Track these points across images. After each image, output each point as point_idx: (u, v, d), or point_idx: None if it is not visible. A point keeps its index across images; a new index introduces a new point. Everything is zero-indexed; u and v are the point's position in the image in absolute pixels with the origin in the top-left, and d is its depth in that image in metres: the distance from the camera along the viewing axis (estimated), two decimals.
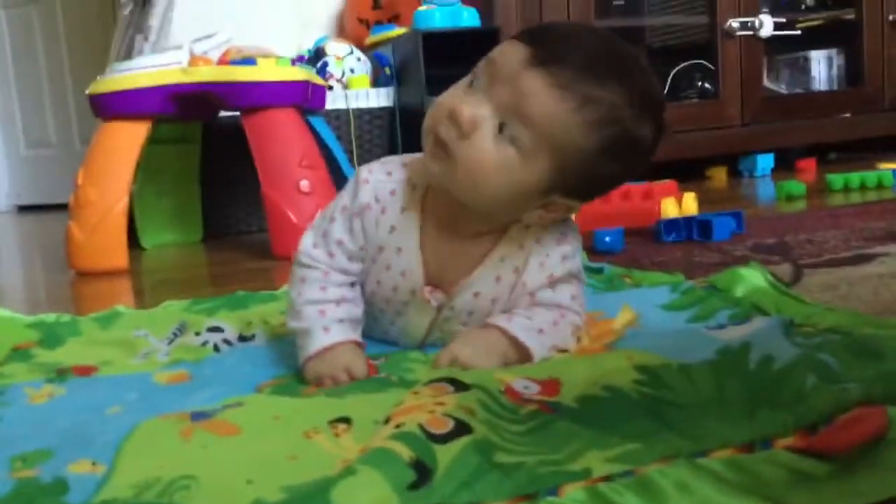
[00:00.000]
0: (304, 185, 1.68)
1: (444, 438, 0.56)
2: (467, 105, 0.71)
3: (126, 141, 1.76)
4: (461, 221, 0.79)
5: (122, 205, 1.72)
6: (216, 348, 0.92)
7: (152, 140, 1.83)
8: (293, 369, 0.80)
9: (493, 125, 0.71)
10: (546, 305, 0.79)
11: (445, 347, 0.78)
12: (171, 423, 0.65)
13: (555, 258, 0.80)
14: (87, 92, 1.81)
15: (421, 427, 0.56)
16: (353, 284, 0.83)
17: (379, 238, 0.81)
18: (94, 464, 0.59)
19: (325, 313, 0.79)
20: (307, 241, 0.83)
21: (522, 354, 0.76)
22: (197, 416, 0.66)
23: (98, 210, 1.70)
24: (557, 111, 0.69)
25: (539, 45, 0.71)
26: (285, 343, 0.87)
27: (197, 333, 0.95)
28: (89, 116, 1.88)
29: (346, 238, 0.81)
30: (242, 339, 0.94)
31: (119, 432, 0.64)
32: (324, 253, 0.82)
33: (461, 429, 0.57)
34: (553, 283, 0.80)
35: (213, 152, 2.21)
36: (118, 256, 1.70)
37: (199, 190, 2.22)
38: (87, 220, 1.69)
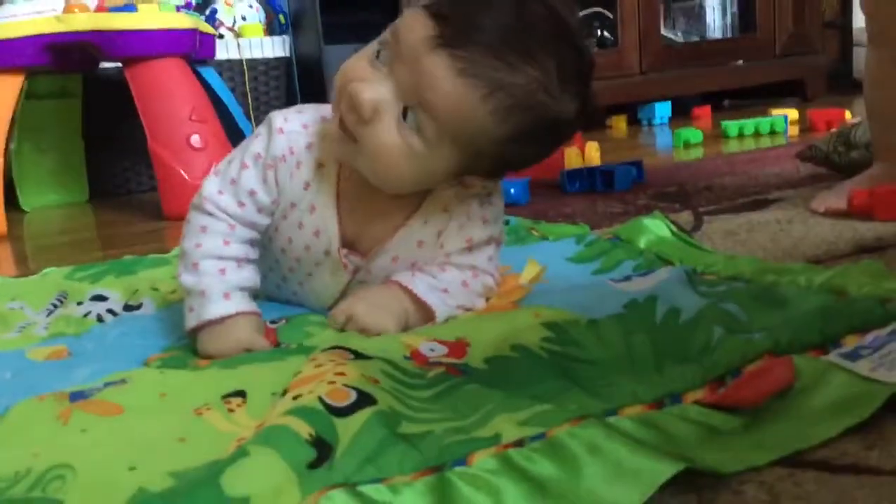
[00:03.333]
0: (195, 139, 1.60)
1: (345, 411, 0.52)
2: (368, 87, 0.66)
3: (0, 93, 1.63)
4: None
5: None
6: (100, 319, 0.85)
7: (29, 95, 1.71)
8: (184, 340, 0.75)
9: (397, 111, 0.66)
10: (458, 266, 0.76)
11: (341, 303, 0.74)
12: (46, 404, 0.59)
13: (476, 221, 0.76)
14: None
15: (321, 399, 0.53)
16: (254, 244, 0.77)
17: (292, 193, 0.75)
18: None
19: (225, 273, 0.73)
20: (211, 187, 0.76)
21: (424, 313, 0.73)
22: (76, 396, 0.60)
23: None
24: (463, 101, 0.64)
25: (443, 21, 0.64)
26: (176, 311, 0.81)
27: (79, 303, 0.88)
28: None
29: (260, 189, 0.75)
30: (129, 308, 0.87)
31: None
32: (233, 202, 0.75)
33: (364, 399, 0.54)
34: (471, 246, 0.76)
35: (96, 107, 2.08)
36: None
37: (83, 147, 2.09)
38: None
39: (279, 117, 0.77)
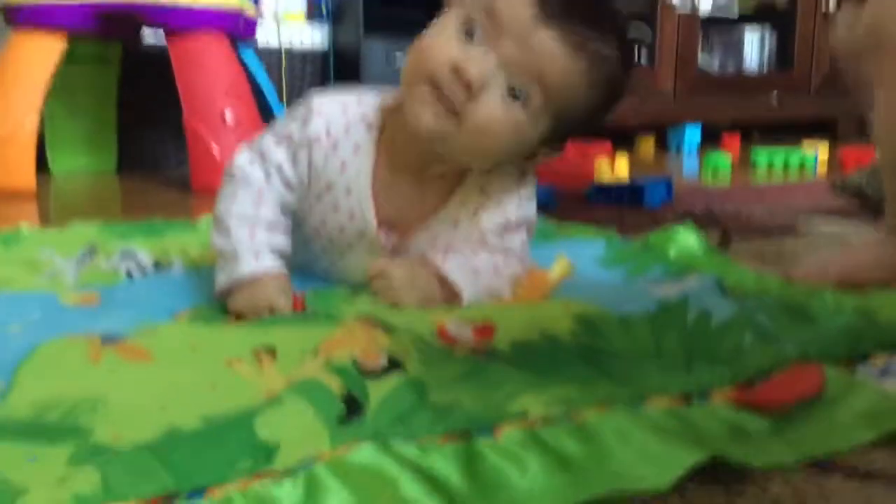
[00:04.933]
0: (229, 116, 1.61)
1: (376, 374, 0.53)
2: (475, 63, 0.67)
3: (40, 55, 1.65)
4: (422, 165, 0.76)
5: (31, 122, 1.61)
6: (129, 275, 0.86)
7: (67, 59, 1.72)
8: (214, 300, 0.75)
9: (502, 84, 0.68)
10: (492, 249, 0.77)
11: (381, 259, 0.76)
12: (77, 344, 0.60)
13: (513, 198, 0.77)
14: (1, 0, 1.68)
15: (353, 361, 0.53)
16: (284, 211, 0.78)
17: (327, 175, 0.77)
18: None
19: (254, 235, 0.74)
20: (243, 157, 0.78)
21: (451, 294, 0.73)
22: (107, 339, 0.61)
23: (5, 125, 1.58)
24: (574, 73, 0.68)
25: None
26: (205, 273, 0.82)
27: (108, 258, 0.89)
28: None
29: (287, 165, 0.77)
30: (158, 266, 0.88)
31: (19, 351, 0.59)
32: (261, 172, 0.77)
33: (394, 365, 0.54)
34: (507, 226, 0.77)
35: (133, 79, 2.09)
36: (25, 176, 1.60)
37: (116, 116, 2.11)
38: None
39: (316, 99, 0.78)
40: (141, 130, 2.17)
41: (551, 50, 0.67)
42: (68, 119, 2.02)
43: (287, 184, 0.77)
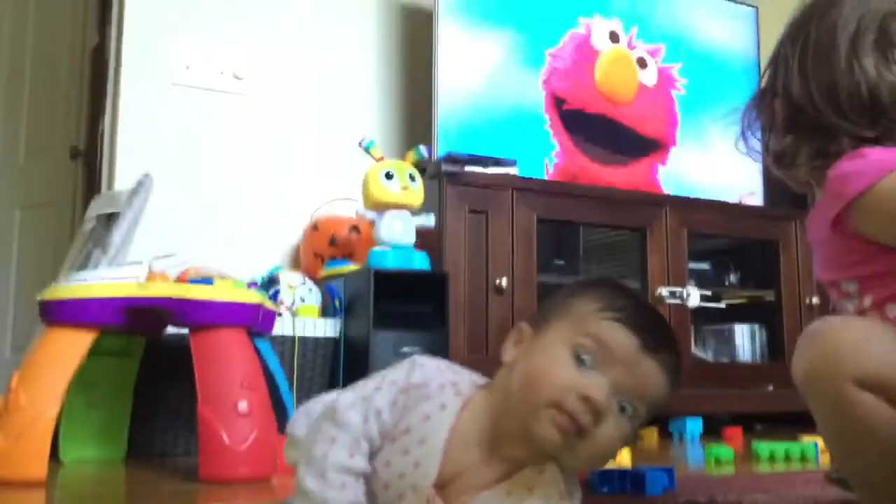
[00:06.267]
0: (243, 405, 1.67)
1: None
2: (598, 389, 0.81)
3: (69, 349, 1.74)
4: (496, 444, 0.84)
5: (52, 413, 1.67)
6: None
7: (92, 351, 1.82)
8: None
9: (615, 404, 0.82)
10: None
11: None
12: None
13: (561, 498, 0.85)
14: (38, 297, 1.82)
15: None
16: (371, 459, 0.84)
17: (410, 420, 0.84)
18: None
19: (345, 488, 0.80)
20: (345, 400, 0.84)
21: None
22: None
23: (27, 417, 1.64)
24: (667, 389, 0.85)
25: (644, 332, 0.83)
26: None
27: None
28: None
29: (387, 410, 0.84)
30: None
31: None
32: (359, 417, 0.83)
33: None
34: None
35: (149, 368, 2.19)
36: (38, 467, 1.62)
37: (131, 406, 2.17)
38: (13, 426, 1.63)
39: (420, 357, 0.89)
40: (153, 418, 2.22)
41: (656, 375, 0.84)
42: (85, 410, 2.08)
43: (381, 429, 0.83)
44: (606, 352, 0.82)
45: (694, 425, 2.74)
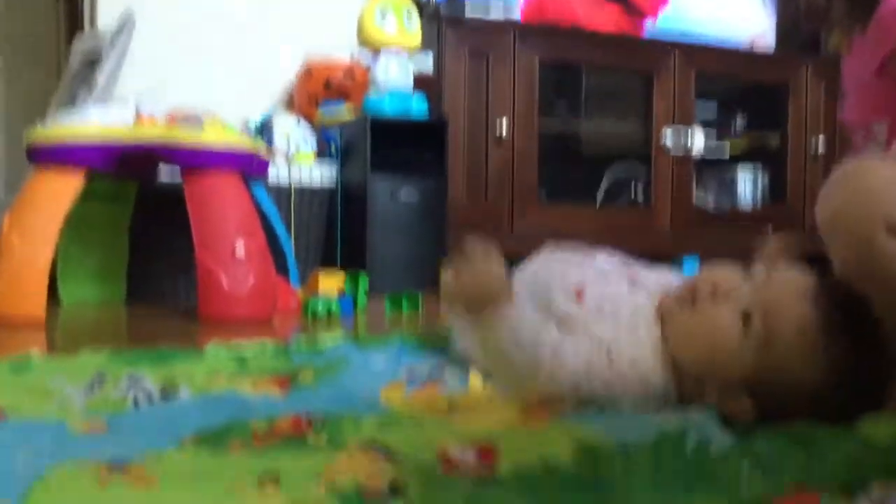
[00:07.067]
0: (240, 250, 1.65)
1: (378, 500, 0.54)
2: (730, 278, 0.80)
3: (59, 191, 1.72)
4: None
5: (46, 256, 1.66)
6: (136, 402, 0.87)
7: (84, 196, 1.79)
8: (219, 425, 0.76)
9: (740, 307, 0.77)
10: None
11: None
12: (85, 470, 0.61)
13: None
14: (26, 139, 1.77)
15: (355, 487, 0.54)
16: None
17: None
18: None
19: None
20: None
21: None
22: (114, 466, 0.62)
23: (21, 257, 1.63)
24: (798, 337, 0.74)
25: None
26: (211, 400, 0.84)
27: (116, 386, 0.91)
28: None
29: None
30: (165, 393, 0.89)
31: (28, 479, 0.59)
32: None
33: (396, 492, 0.55)
34: None
35: (146, 213, 2.16)
36: (36, 305, 1.63)
37: (127, 251, 2.16)
38: (7, 266, 1.63)
39: None
40: (151, 264, 2.22)
41: (793, 301, 0.76)
42: (81, 253, 2.07)
43: None
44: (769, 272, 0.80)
45: (690, 265, 2.75)
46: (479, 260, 0.82)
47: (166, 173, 2.10)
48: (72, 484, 0.58)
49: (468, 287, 0.83)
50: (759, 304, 0.77)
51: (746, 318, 0.76)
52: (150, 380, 0.91)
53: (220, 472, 0.62)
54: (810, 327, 0.74)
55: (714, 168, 3.08)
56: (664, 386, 0.80)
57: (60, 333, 1.64)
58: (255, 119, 2.50)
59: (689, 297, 0.81)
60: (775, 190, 3.09)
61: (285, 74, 2.74)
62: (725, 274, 0.81)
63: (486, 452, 0.64)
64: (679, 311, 0.81)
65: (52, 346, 1.49)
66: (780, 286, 0.78)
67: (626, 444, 0.66)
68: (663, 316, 0.83)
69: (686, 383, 0.80)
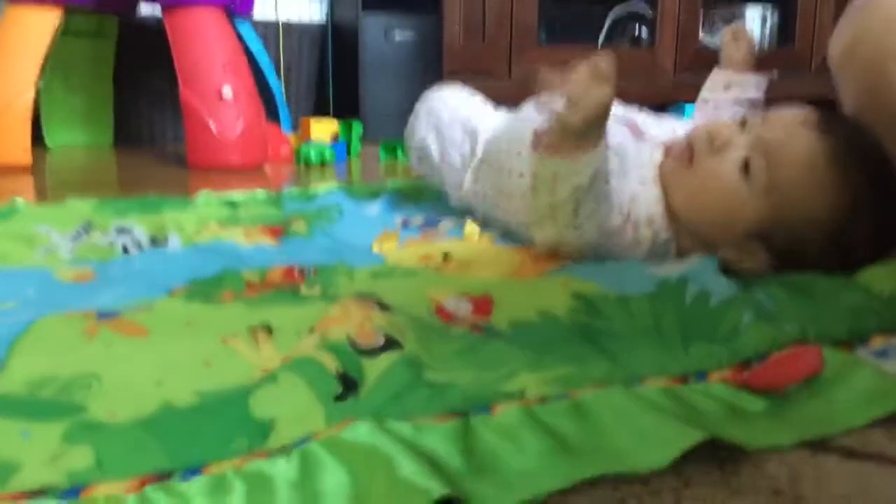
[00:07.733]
0: (227, 91, 1.59)
1: (372, 352, 0.53)
2: (728, 129, 0.76)
3: (36, 28, 1.63)
4: None
5: (27, 97, 1.60)
6: (125, 250, 0.85)
7: (63, 32, 1.70)
8: (211, 275, 0.75)
9: (741, 156, 0.74)
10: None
11: None
12: (72, 320, 0.59)
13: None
14: None
15: (348, 338, 0.53)
16: None
17: None
18: None
19: None
20: None
21: None
22: (102, 315, 0.61)
23: (1, 99, 1.57)
24: (806, 170, 0.71)
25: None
26: (202, 248, 0.82)
27: (104, 233, 0.89)
28: None
29: None
30: (154, 242, 0.88)
31: (13, 328, 0.58)
32: None
33: (391, 344, 0.54)
34: None
35: (129, 53, 2.08)
36: (20, 152, 1.59)
37: (112, 90, 2.09)
38: None
39: None
40: (138, 105, 2.16)
41: (796, 137, 0.73)
42: (64, 93, 2.00)
43: None
44: (767, 117, 0.76)
45: (691, 111, 2.69)
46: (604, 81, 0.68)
47: (148, 6, 2.00)
48: (59, 334, 0.57)
49: (587, 109, 0.68)
50: (759, 147, 0.73)
51: (745, 164, 0.73)
52: (140, 228, 0.89)
53: (211, 322, 0.61)
54: (818, 158, 0.71)
55: (722, 6, 2.94)
56: (669, 244, 0.78)
57: (48, 179, 1.61)
58: None
59: (687, 154, 0.78)
60: (784, 31, 2.97)
61: None
62: (720, 125, 0.78)
63: (482, 304, 0.63)
64: (679, 169, 0.78)
65: (39, 193, 1.46)
66: (778, 123, 0.74)
67: (624, 296, 0.65)
68: (664, 176, 0.80)
69: (683, 240, 0.78)
